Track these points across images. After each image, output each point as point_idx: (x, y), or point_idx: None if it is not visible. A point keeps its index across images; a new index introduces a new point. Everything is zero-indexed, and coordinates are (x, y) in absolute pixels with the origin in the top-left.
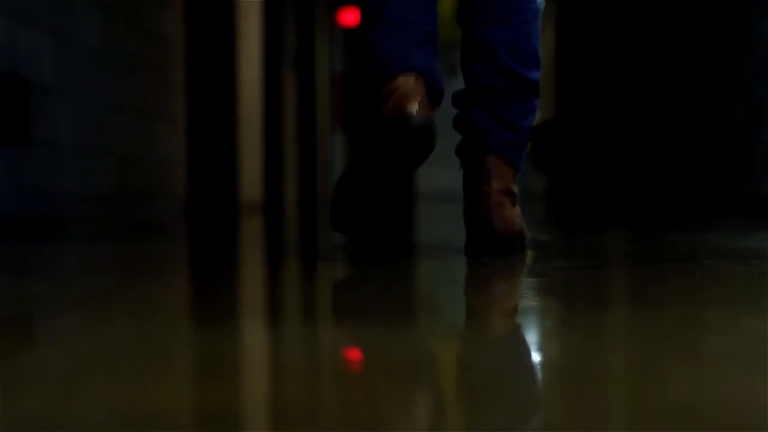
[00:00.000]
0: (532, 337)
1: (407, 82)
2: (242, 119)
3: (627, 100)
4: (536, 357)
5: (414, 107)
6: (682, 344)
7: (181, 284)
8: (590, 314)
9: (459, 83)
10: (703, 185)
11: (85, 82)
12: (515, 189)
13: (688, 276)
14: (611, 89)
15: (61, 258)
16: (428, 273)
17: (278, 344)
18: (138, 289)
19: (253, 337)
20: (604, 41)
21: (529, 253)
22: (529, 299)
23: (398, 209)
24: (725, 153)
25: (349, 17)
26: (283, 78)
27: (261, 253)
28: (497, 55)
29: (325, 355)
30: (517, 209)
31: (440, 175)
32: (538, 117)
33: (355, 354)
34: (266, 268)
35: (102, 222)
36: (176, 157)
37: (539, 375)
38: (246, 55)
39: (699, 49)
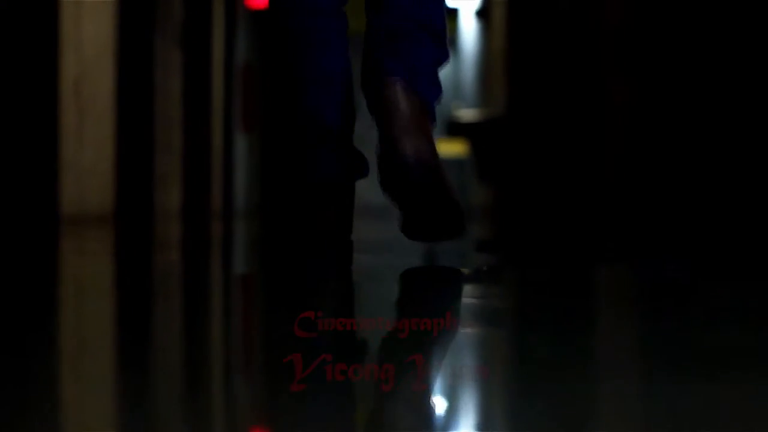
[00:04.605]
0: None
1: (326, 197)
2: (66, 94)
3: (615, 83)
4: None
5: (328, 228)
6: None
7: None
8: None
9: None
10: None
11: None
12: (432, 138)
13: None
14: (589, 70)
15: None
16: None
17: None
18: None
19: None
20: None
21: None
22: None
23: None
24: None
25: None
26: (159, 52)
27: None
28: (399, 6)
29: None
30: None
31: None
32: (481, 113)
33: None
34: None
35: None
36: None
37: None
38: (80, 2)
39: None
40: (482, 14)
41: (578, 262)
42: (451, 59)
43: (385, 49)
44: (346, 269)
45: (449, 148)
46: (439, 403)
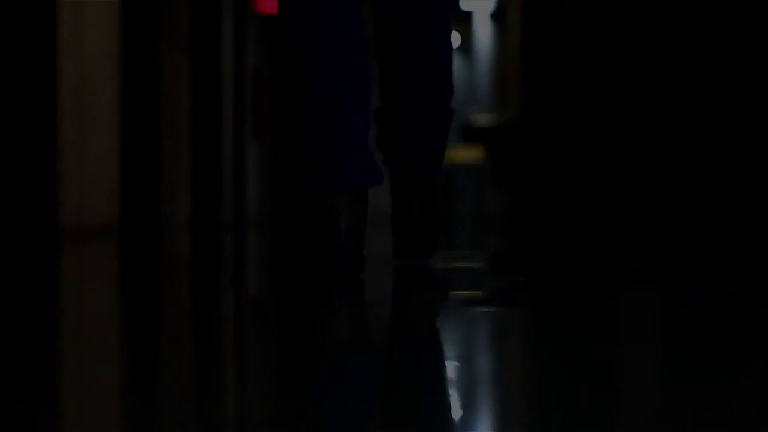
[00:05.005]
0: None
1: (338, 204)
2: (66, 102)
3: (635, 83)
4: None
5: (339, 242)
6: None
7: None
8: None
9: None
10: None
11: None
12: (432, 196)
13: None
14: (609, 71)
15: None
16: None
17: None
18: None
19: None
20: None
21: None
22: None
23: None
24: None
25: (270, 3)
26: (166, 59)
27: None
28: (409, 94)
29: None
30: (434, 207)
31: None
32: (497, 117)
33: None
34: None
35: None
36: None
37: None
38: (80, 7)
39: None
40: (497, 16)
41: (600, 281)
42: (466, 62)
43: (405, 143)
44: (358, 290)
45: (465, 154)
46: (444, 403)
